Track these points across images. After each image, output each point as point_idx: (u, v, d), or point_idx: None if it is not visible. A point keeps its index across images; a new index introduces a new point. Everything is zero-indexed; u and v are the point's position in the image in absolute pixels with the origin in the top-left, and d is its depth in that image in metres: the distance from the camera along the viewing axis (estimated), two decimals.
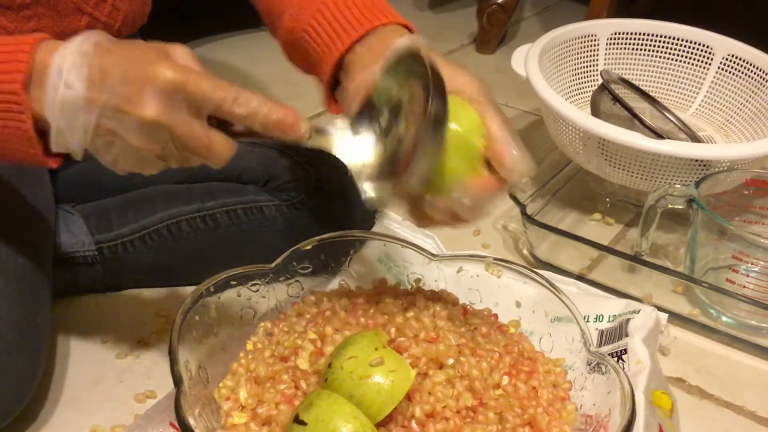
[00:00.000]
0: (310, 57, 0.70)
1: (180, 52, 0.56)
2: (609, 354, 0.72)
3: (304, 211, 0.90)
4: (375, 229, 0.93)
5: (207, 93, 0.53)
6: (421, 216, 0.63)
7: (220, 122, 0.56)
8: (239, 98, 0.54)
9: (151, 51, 0.55)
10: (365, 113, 0.61)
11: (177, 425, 0.56)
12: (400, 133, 0.59)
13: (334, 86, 0.69)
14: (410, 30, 0.68)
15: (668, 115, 1.10)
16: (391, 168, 0.58)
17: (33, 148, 0.56)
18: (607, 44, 1.20)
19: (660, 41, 1.20)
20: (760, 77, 1.12)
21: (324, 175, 0.90)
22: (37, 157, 0.57)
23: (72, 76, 0.53)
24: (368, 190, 0.59)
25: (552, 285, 0.70)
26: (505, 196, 0.97)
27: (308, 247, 0.73)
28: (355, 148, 0.60)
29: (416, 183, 0.57)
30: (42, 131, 0.55)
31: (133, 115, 0.53)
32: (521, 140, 0.60)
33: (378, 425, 0.56)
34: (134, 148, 0.55)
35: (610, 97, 1.06)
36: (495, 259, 0.74)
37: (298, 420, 0.55)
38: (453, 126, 0.58)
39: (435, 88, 0.54)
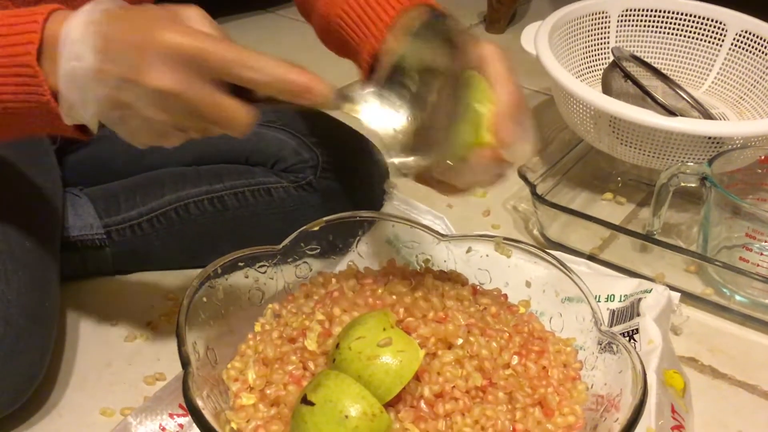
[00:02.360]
0: (348, 45, 0.69)
1: (193, 14, 0.53)
2: (620, 334, 0.71)
3: (313, 192, 0.89)
4: (384, 209, 0.92)
5: (214, 56, 0.50)
6: (431, 181, 0.62)
7: (241, 89, 0.53)
8: (250, 61, 0.51)
9: (160, 15, 0.52)
10: (394, 79, 0.57)
11: (186, 407, 0.56)
12: (431, 100, 0.56)
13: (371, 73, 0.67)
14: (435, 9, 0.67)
15: (680, 93, 1.08)
16: (422, 140, 0.56)
17: (57, 120, 0.54)
18: (618, 21, 1.19)
19: (672, 18, 1.18)
20: None
21: (332, 157, 0.90)
22: (64, 130, 0.56)
23: (80, 47, 0.51)
24: (396, 159, 0.56)
25: (562, 264, 0.69)
26: (513, 175, 0.97)
27: (316, 228, 0.72)
28: (384, 114, 0.56)
29: (450, 153, 0.55)
30: None
31: (141, 83, 0.50)
32: (530, 119, 0.58)
33: (387, 405, 0.56)
34: (148, 120, 0.53)
35: (622, 74, 1.04)
36: (505, 239, 0.73)
37: (306, 400, 0.54)
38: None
39: (460, 60, 0.52)
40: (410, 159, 0.55)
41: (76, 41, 0.51)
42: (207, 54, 0.50)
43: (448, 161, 0.58)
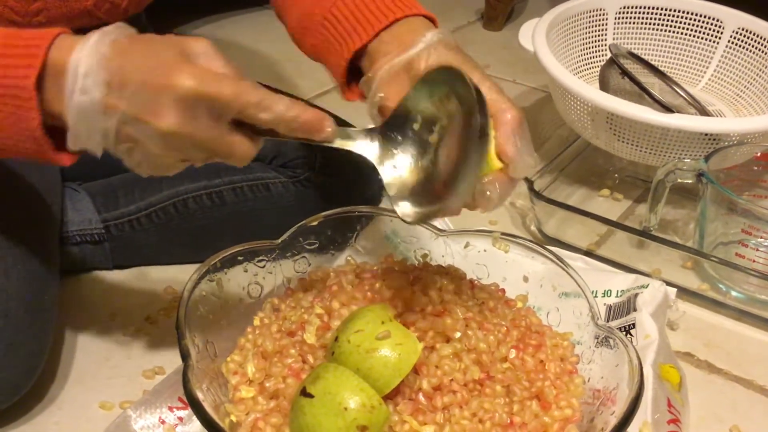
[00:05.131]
0: (328, 44, 0.69)
1: (201, 49, 0.54)
2: (617, 328, 0.72)
3: (311, 187, 0.90)
4: (382, 205, 0.92)
5: (229, 100, 0.51)
6: None
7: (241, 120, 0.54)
8: (263, 102, 0.52)
9: (170, 52, 0.52)
10: (396, 120, 0.59)
11: (185, 400, 0.56)
12: (438, 151, 0.57)
13: (351, 75, 0.68)
14: (434, 23, 0.68)
15: (678, 90, 1.09)
16: (428, 188, 0.57)
17: (41, 146, 0.54)
18: (615, 18, 1.19)
19: (669, 15, 1.19)
20: None
21: (330, 152, 0.90)
22: (47, 155, 0.55)
23: (89, 81, 0.51)
24: (401, 207, 0.58)
25: (560, 260, 0.70)
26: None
27: (315, 223, 0.73)
28: (384, 155, 0.58)
29: (459, 203, 0.56)
30: (59, 128, 0.54)
31: (153, 125, 0.51)
32: (528, 134, 0.60)
33: (385, 398, 0.56)
34: (155, 155, 0.54)
35: (619, 71, 1.05)
36: (502, 234, 0.73)
37: (305, 393, 0.55)
38: None
39: (482, 113, 0.53)
40: (413, 209, 0.57)
41: (84, 75, 0.51)
42: (224, 98, 0.51)
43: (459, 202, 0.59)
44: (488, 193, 0.59)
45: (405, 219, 0.58)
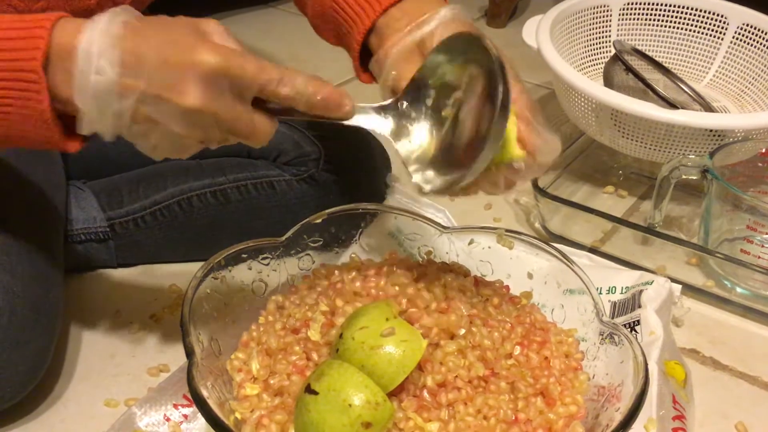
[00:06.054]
0: (341, 27, 0.69)
1: (214, 28, 0.54)
2: (622, 325, 0.72)
3: (315, 185, 0.90)
4: (386, 202, 0.92)
5: (252, 76, 0.52)
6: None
7: (257, 99, 0.54)
8: (284, 78, 0.53)
9: (186, 31, 0.52)
10: (410, 93, 0.59)
11: (190, 397, 0.56)
12: (457, 120, 0.57)
13: (363, 55, 0.68)
14: None
15: (682, 86, 1.09)
16: (448, 157, 0.57)
17: (50, 130, 0.53)
18: (619, 14, 1.19)
19: (673, 11, 1.18)
20: None
21: (334, 149, 0.90)
22: (54, 140, 0.54)
23: (103, 61, 0.50)
24: (421, 178, 0.57)
25: (564, 256, 0.69)
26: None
27: (319, 221, 0.73)
28: (405, 131, 0.58)
29: (478, 173, 0.56)
30: (62, 113, 0.53)
31: (176, 103, 0.51)
32: (545, 120, 0.60)
33: (390, 395, 0.56)
34: (175, 135, 0.53)
35: (623, 67, 1.05)
36: (507, 230, 0.73)
37: (309, 390, 0.55)
38: None
39: (504, 80, 0.52)
40: (434, 179, 0.57)
41: (97, 55, 0.50)
42: (248, 74, 0.52)
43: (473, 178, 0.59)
44: (521, 164, 0.59)
45: (424, 191, 0.57)
